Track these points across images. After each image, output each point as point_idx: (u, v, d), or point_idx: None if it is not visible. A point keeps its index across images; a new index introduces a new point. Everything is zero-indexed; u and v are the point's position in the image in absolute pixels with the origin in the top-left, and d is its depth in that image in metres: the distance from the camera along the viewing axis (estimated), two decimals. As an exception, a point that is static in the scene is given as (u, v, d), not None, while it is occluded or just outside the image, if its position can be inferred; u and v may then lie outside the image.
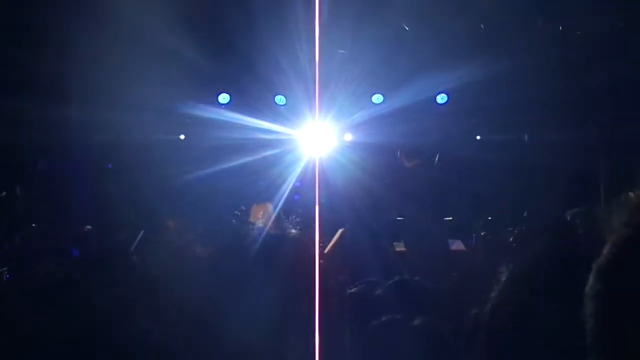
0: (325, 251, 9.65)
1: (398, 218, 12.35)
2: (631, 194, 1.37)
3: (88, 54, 12.24)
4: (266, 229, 9.32)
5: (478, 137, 14.41)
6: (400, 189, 12.31)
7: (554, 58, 12.73)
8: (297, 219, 3.51)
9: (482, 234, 11.95)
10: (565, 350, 1.78)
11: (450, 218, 12.30)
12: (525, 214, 10.59)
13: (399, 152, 12.45)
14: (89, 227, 10.72)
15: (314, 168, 12.70)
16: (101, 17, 11.50)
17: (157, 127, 13.77)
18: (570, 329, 1.56)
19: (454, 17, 12.57)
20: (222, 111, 14.04)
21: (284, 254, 2.73)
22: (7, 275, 7.63)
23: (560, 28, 13.07)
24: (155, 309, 3.58)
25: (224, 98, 14.41)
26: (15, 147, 12.12)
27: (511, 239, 11.10)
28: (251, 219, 10.54)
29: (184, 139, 14.61)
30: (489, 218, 12.21)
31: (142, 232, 10.23)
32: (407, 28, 13.19)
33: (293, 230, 2.91)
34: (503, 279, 2.18)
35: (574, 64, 12.93)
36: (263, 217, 10.58)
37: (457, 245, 11.78)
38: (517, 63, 12.43)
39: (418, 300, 4.46)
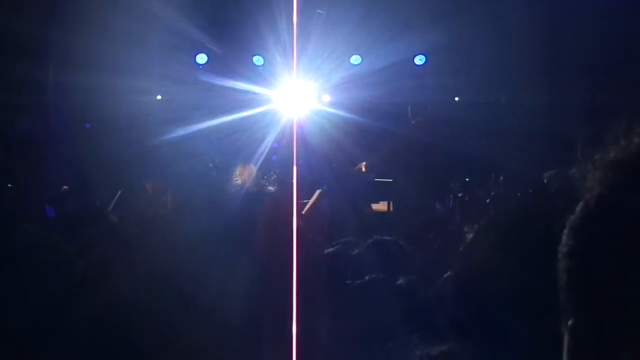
0: (303, 212, 9.69)
1: (376, 179, 12.39)
2: (604, 154, 1.39)
3: (65, 15, 12.15)
4: (245, 187, 9.34)
5: (456, 99, 14.42)
6: (378, 150, 12.34)
7: (532, 20, 12.72)
8: (274, 177, 3.51)
9: (460, 195, 12.01)
10: (535, 310, 1.80)
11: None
12: (501, 176, 10.65)
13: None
14: (65, 187, 10.69)
15: (291, 129, 12.69)
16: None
17: (134, 87, 13.70)
18: (540, 288, 1.57)
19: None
20: (200, 71, 13.99)
21: (261, 211, 2.74)
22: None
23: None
24: (132, 269, 3.58)
25: (201, 58, 14.37)
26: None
27: (488, 201, 11.20)
28: (234, 179, 10.61)
29: (161, 99, 14.56)
30: (467, 179, 12.27)
31: (119, 193, 10.24)
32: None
33: (270, 188, 2.91)
34: (470, 237, 2.20)
35: (552, 26, 12.94)
36: (246, 178, 10.64)
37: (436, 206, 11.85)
38: (495, 24, 12.43)
39: (394, 261, 4.49)
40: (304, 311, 2.40)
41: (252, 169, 10.75)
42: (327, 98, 14.24)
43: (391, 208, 11.66)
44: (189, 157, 12.15)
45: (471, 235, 2.24)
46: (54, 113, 13.43)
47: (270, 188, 2.92)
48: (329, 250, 3.39)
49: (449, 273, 2.79)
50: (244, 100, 13.67)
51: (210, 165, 12.44)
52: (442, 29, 12.86)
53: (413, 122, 12.18)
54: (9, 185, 11.10)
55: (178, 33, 13.20)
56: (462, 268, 2.20)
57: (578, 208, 1.37)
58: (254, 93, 13.76)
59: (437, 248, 9.81)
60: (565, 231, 1.37)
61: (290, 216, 2.63)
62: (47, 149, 13.36)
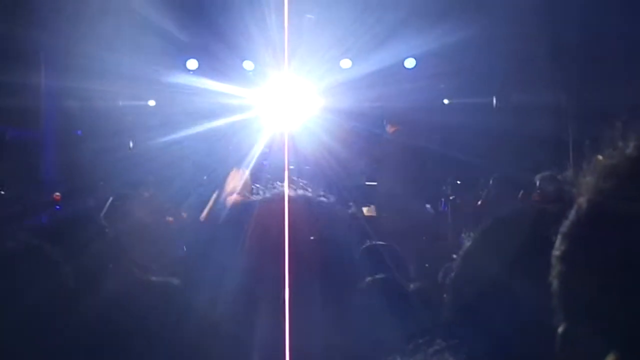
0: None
1: (367, 183, 12.41)
2: (598, 158, 1.38)
3: (57, 19, 12.11)
4: (234, 194, 9.27)
5: (446, 101, 14.41)
6: (369, 154, 12.34)
7: (522, 22, 12.71)
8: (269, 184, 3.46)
9: (451, 197, 12.03)
10: (527, 315, 1.80)
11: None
12: (492, 178, 10.67)
13: (384, 120, 12.41)
14: (57, 193, 10.68)
15: (282, 133, 12.69)
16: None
17: (125, 93, 13.67)
18: (535, 295, 1.57)
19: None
20: (191, 77, 13.97)
21: (252, 219, 2.71)
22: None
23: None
24: (124, 276, 3.57)
25: (192, 64, 14.34)
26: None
27: (479, 203, 11.23)
28: (226, 184, 10.61)
29: (153, 105, 14.53)
30: (458, 182, 12.28)
31: (110, 199, 10.22)
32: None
33: (262, 195, 2.88)
34: (467, 244, 2.19)
35: (542, 28, 12.94)
36: (238, 182, 10.64)
37: (426, 210, 11.86)
38: (485, 27, 12.42)
39: (387, 265, 4.48)
40: (296, 318, 2.39)
41: (244, 174, 10.78)
42: (317, 102, 14.22)
43: (381, 212, 11.67)
44: (180, 162, 12.18)
45: (464, 240, 2.24)
46: (45, 119, 13.37)
47: (260, 194, 2.89)
48: (322, 256, 3.36)
49: (442, 278, 2.77)
50: (234, 105, 13.67)
51: (201, 170, 12.50)
52: (432, 31, 12.85)
53: (390, 126, 12.15)
54: (1, 192, 11.08)
55: (168, 38, 13.18)
56: (455, 274, 2.19)
57: (571, 213, 1.37)
58: (244, 98, 13.75)
59: (429, 252, 9.82)
60: (559, 236, 1.37)
61: (281, 222, 2.61)
62: (39, 155, 13.33)
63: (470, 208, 11.28)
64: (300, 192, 2.79)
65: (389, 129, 12.22)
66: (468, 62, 13.17)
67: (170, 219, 10.89)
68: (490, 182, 10.79)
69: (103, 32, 11.84)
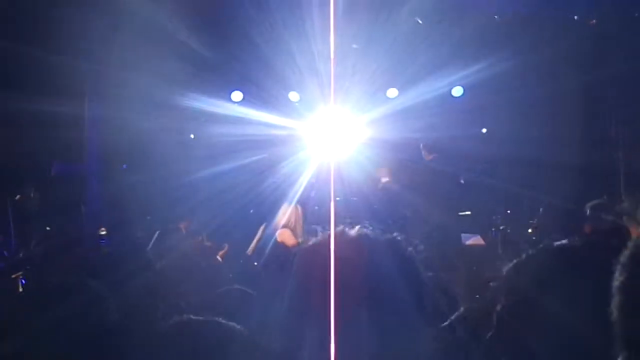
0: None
1: (413, 214, 12.32)
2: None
3: (101, 51, 12.21)
4: (284, 229, 9.24)
5: (493, 131, 14.32)
6: (415, 185, 12.26)
7: (570, 52, 12.64)
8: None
9: (501, 227, 11.95)
10: (583, 346, 1.76)
11: (468, 212, 12.28)
12: (542, 208, 10.60)
13: (421, 145, 12.38)
14: (103, 228, 10.74)
15: (328, 164, 12.69)
16: (114, 14, 11.46)
17: (169, 125, 13.71)
18: (587, 325, 1.54)
19: (469, 11, 12.53)
20: (236, 108, 14.00)
21: (300, 263, 2.68)
22: (23, 280, 7.63)
23: (575, 20, 13.00)
24: (170, 309, 3.56)
25: (237, 96, 14.36)
26: (28, 148, 12.09)
27: (530, 231, 11.16)
28: (279, 217, 10.63)
29: (197, 137, 14.55)
30: (508, 212, 12.20)
31: (157, 232, 10.28)
32: (420, 21, 13.13)
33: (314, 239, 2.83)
34: (508, 269, 2.17)
35: (591, 58, 12.84)
36: (290, 220, 10.66)
37: (474, 240, 11.78)
38: (534, 57, 12.36)
39: (435, 298, 4.44)
40: (342, 354, 2.37)
41: (297, 208, 10.81)
42: (363, 132, 14.18)
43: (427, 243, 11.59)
44: (225, 196, 12.20)
45: (515, 270, 2.20)
46: (90, 153, 13.47)
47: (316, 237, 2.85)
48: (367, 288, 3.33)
49: (492, 309, 2.74)
50: (280, 136, 13.69)
51: (249, 209, 12.52)
52: (480, 61, 12.80)
53: (427, 153, 12.11)
54: (48, 228, 11.16)
55: (213, 70, 13.24)
56: (507, 305, 2.16)
57: (631, 243, 1.34)
58: (290, 129, 13.76)
59: (478, 283, 9.73)
60: (618, 267, 1.35)
61: (327, 260, 2.58)
62: (85, 189, 13.41)
63: (520, 237, 11.21)
64: (359, 231, 2.74)
65: (427, 155, 12.19)
66: (517, 90, 13.08)
67: (220, 253, 10.95)
68: (540, 211, 10.72)
69: (149, 63, 11.91)
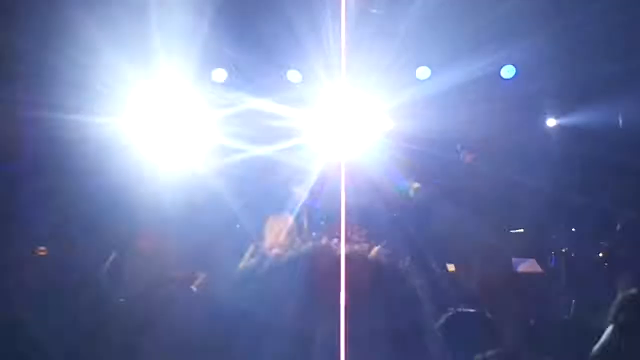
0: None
1: (452, 232, 12.35)
2: None
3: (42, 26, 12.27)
4: (275, 249, 9.33)
5: (553, 122, 14.32)
6: (453, 194, 12.29)
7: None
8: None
9: (563, 250, 11.96)
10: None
11: (521, 230, 12.29)
12: (620, 224, 10.60)
13: (459, 145, 12.39)
14: (42, 248, 10.75)
15: (339, 166, 12.69)
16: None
17: (127, 114, 13.62)
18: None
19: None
20: (217, 91, 13.96)
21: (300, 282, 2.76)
22: None
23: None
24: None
25: (219, 74, 14.36)
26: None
27: (600, 255, 11.17)
28: (266, 236, 10.63)
29: (166, 128, 14.47)
30: (573, 230, 12.19)
31: (113, 255, 10.30)
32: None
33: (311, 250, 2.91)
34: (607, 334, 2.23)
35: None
36: (281, 236, 10.65)
37: (529, 265, 11.80)
38: (606, 26, 12.38)
39: (477, 339, 4.50)
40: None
41: (288, 221, 10.80)
42: (385, 124, 14.19)
43: (472, 270, 11.61)
44: (202, 206, 12.19)
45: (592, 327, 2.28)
46: (25, 151, 13.46)
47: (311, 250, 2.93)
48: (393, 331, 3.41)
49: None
50: (275, 128, 13.65)
51: (232, 217, 12.52)
52: (536, 34, 12.79)
53: (468, 154, 12.10)
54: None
55: (188, 43, 13.20)
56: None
57: None
58: (289, 119, 13.70)
59: (535, 320, 9.79)
60: None
61: (336, 290, 2.67)
62: (17, 194, 13.38)
63: (589, 264, 11.22)
64: (357, 248, 2.82)
65: (467, 156, 12.18)
66: (583, 71, 13.06)
67: (196, 283, 10.94)
68: (618, 228, 10.73)
69: (94, 30, 11.93)
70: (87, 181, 12.42)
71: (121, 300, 5.49)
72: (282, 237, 10.63)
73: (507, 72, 14.08)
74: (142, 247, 10.80)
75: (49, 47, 12.13)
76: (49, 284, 6.93)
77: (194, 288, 10.99)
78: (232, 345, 2.82)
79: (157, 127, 13.98)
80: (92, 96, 12.64)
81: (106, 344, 3.97)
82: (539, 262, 12.09)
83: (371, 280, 2.76)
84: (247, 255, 11.04)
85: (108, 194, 11.99)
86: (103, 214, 11.64)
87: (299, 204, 11.28)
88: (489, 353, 4.54)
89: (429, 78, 14.20)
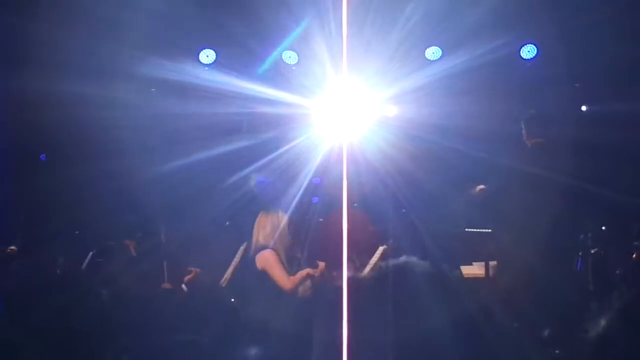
0: (363, 274, 9.68)
1: (466, 229, 12.31)
2: None
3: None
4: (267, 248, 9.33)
5: (583, 108, 14.29)
6: (468, 188, 12.22)
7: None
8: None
9: (593, 251, 11.93)
10: None
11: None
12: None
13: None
14: (12, 247, 10.76)
15: (340, 156, 12.63)
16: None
17: (113, 96, 13.61)
18: None
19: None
20: (205, 73, 13.95)
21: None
22: None
23: None
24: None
25: (207, 55, 14.35)
26: None
27: (634, 257, 11.16)
28: (256, 233, 10.60)
29: (152, 112, 14.44)
30: (602, 228, 12.17)
31: (90, 254, 10.30)
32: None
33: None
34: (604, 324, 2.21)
35: None
36: (272, 233, 10.61)
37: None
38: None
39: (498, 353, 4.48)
40: None
41: (280, 218, 10.77)
42: (391, 110, 14.16)
43: (490, 272, 11.57)
44: (191, 199, 12.18)
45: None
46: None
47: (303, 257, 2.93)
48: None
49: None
50: (268, 115, 13.64)
51: (222, 213, 12.50)
52: (561, 7, 12.76)
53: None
54: None
55: (174, 22, 13.18)
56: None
57: None
58: (284, 104, 13.65)
59: (553, 335, 9.81)
60: None
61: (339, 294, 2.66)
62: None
63: (621, 266, 11.21)
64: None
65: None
66: (615, 52, 13.02)
67: (186, 279, 10.92)
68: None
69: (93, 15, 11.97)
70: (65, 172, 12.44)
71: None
72: (272, 233, 10.58)
73: (528, 51, 14.05)
74: (128, 245, 10.81)
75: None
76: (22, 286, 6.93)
77: (183, 286, 11.01)
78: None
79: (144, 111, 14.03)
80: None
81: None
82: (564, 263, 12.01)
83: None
84: (241, 250, 11.05)
85: (86, 188, 12.02)
86: (82, 209, 11.66)
87: (294, 201, 11.23)
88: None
89: (440, 58, 14.13)
